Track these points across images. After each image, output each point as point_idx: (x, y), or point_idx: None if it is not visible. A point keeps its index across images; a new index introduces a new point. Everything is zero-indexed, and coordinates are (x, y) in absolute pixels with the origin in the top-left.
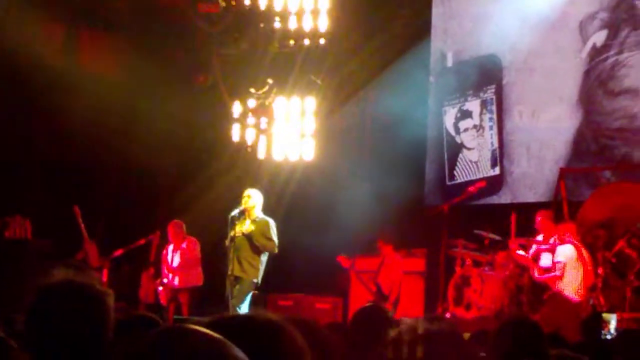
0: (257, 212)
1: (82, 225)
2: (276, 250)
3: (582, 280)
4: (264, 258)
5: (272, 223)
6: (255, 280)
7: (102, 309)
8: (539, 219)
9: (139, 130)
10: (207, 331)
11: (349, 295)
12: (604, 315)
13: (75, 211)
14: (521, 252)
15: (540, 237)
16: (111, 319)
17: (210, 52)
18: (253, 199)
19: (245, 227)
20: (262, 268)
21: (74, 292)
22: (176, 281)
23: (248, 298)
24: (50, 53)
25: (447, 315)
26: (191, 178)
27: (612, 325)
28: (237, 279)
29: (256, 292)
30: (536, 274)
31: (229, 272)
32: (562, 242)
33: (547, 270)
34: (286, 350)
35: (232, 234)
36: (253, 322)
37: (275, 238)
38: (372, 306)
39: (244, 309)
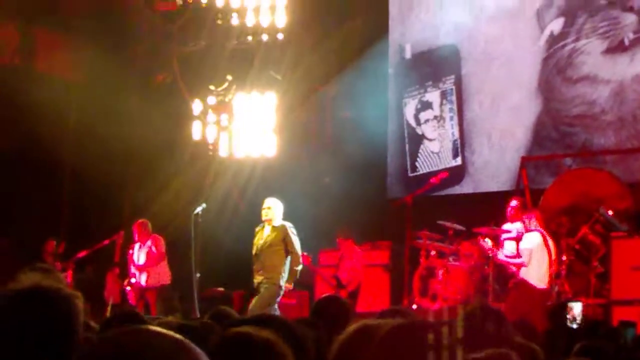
0: (277, 220)
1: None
2: (299, 252)
3: (546, 268)
4: (287, 262)
5: (289, 227)
6: (280, 284)
7: (71, 313)
8: (515, 204)
9: (98, 131)
10: (166, 332)
11: (314, 289)
12: (570, 303)
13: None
14: (487, 241)
15: (506, 226)
16: (80, 322)
17: (169, 51)
18: (273, 210)
19: (265, 234)
20: (285, 272)
21: (42, 296)
22: (143, 280)
23: (274, 302)
24: (5, 54)
25: (413, 307)
26: (152, 177)
27: (578, 312)
28: (260, 286)
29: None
30: (500, 256)
31: (255, 284)
32: (529, 229)
33: (512, 257)
34: None
35: (255, 245)
36: None
37: (295, 245)
38: (330, 296)
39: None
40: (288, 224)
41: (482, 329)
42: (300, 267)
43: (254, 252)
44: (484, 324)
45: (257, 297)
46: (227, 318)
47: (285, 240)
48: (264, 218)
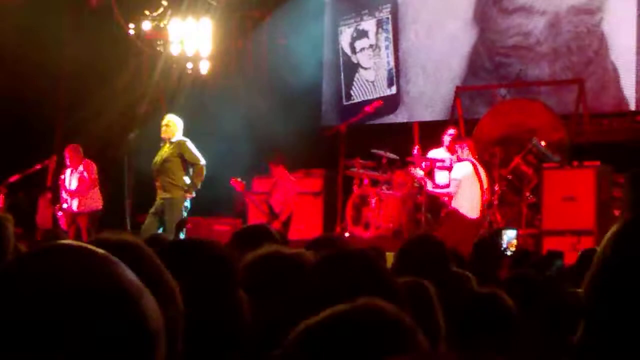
0: (176, 137)
1: None
2: (202, 162)
3: (478, 198)
4: (187, 178)
5: (186, 141)
6: (182, 201)
7: (2, 235)
8: (452, 132)
9: (31, 55)
10: (90, 247)
11: (247, 216)
12: (504, 230)
13: None
14: (418, 171)
15: (435, 152)
16: (11, 244)
17: None
18: (172, 127)
19: (163, 151)
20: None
21: None
22: (75, 205)
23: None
24: None
25: (346, 234)
26: (86, 102)
27: (512, 239)
28: (164, 203)
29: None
30: (430, 187)
31: (157, 198)
32: (460, 159)
33: (443, 187)
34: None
35: (154, 163)
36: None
37: (196, 155)
38: (255, 225)
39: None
40: (185, 139)
41: (419, 258)
42: (202, 177)
43: (152, 169)
44: (422, 252)
45: (163, 219)
46: (161, 244)
47: (182, 155)
48: (162, 135)
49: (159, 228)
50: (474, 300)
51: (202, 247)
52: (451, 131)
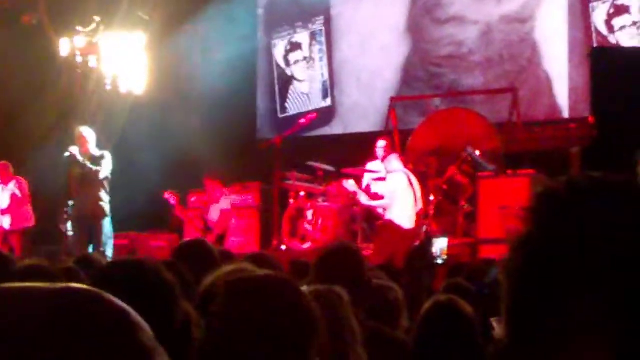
0: (93, 150)
1: None
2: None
3: (413, 208)
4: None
5: (108, 156)
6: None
7: None
8: (383, 144)
9: None
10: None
11: (183, 231)
12: (435, 239)
13: None
14: (350, 182)
15: (371, 165)
16: None
17: None
18: (87, 138)
19: (87, 165)
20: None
21: None
22: (6, 223)
23: (111, 238)
24: None
25: (282, 247)
26: (19, 119)
27: (442, 248)
28: (92, 219)
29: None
30: (363, 201)
31: (76, 214)
32: (392, 170)
33: (377, 198)
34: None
35: (74, 173)
36: None
37: (104, 168)
38: (195, 240)
39: (109, 249)
40: (107, 153)
41: (336, 266)
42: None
43: (71, 182)
44: (338, 261)
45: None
46: (92, 264)
47: (106, 168)
48: (82, 149)
49: (89, 246)
50: (434, 307)
51: (143, 268)
52: (382, 143)
